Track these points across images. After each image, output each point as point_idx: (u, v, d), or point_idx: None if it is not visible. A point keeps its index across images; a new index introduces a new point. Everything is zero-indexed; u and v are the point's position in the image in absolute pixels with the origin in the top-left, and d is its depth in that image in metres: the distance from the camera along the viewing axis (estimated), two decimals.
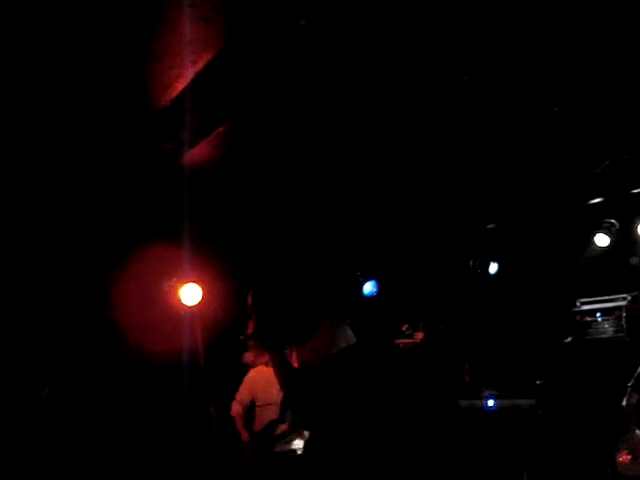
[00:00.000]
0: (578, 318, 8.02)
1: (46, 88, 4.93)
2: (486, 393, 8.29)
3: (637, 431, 6.53)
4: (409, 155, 6.54)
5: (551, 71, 5.11)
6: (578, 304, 8.10)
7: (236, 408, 7.16)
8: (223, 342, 7.53)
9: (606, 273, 8.25)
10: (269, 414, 6.98)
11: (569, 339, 8.13)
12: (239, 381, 7.29)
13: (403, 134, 6.05)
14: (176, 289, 6.99)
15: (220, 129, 5.66)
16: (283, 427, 6.83)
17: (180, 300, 7.00)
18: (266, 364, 7.04)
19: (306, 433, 6.94)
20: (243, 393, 7.20)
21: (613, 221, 8.06)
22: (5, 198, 5.76)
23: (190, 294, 7.02)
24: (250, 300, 5.14)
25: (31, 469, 5.29)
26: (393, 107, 5.58)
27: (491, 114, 5.90)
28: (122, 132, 5.45)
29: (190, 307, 7.05)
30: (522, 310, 8.77)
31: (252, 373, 7.26)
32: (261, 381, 7.13)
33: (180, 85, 5.06)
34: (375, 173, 6.80)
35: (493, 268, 8.92)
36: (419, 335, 9.17)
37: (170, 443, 6.84)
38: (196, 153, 5.84)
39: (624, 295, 7.91)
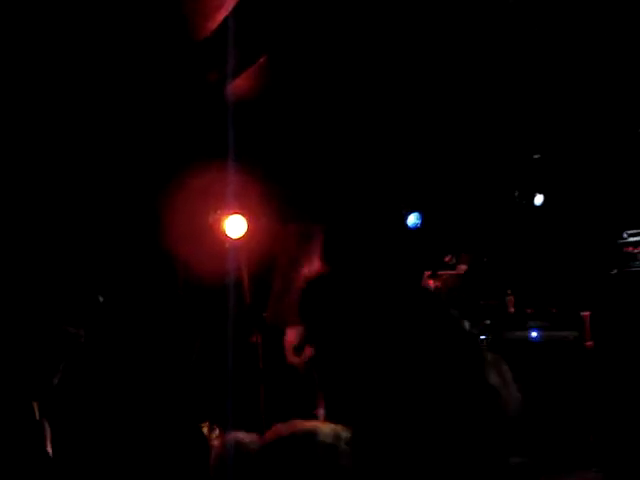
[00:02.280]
0: (624, 250, 7.93)
1: (88, 20, 4.93)
2: (531, 325, 8.30)
3: None
4: (451, 83, 6.47)
5: None
6: (625, 235, 8.00)
7: (289, 337, 7.17)
8: (268, 274, 7.55)
9: None
10: None
11: (615, 271, 8.06)
12: None
13: (445, 61, 5.98)
14: (221, 221, 7.01)
15: (263, 59, 5.63)
16: None
17: (225, 232, 7.02)
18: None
19: None
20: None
21: None
22: (59, 126, 5.79)
23: (235, 226, 7.03)
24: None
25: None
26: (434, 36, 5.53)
27: (534, 39, 5.82)
28: (165, 63, 5.44)
29: (235, 239, 7.08)
30: (568, 242, 8.69)
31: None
32: None
33: (221, 14, 5.03)
34: (417, 103, 6.73)
35: (539, 199, 8.83)
36: (462, 267, 9.16)
37: (215, 374, 6.91)
38: (240, 84, 5.82)
39: None
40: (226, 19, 5.02)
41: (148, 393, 6.36)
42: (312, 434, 2.21)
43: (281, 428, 2.27)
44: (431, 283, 8.70)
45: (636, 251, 7.90)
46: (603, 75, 6.48)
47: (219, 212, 7.03)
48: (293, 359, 7.05)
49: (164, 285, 6.98)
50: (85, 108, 5.74)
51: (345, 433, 2.19)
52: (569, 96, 6.89)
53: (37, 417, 4.39)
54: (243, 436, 2.47)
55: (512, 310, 8.84)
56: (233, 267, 7.12)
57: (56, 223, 6.01)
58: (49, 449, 4.43)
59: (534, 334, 8.25)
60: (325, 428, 2.24)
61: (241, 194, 6.85)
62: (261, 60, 5.71)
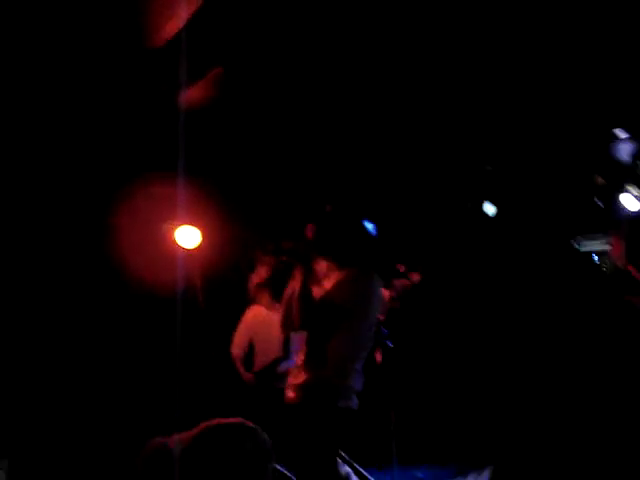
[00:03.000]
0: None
1: (39, 30, 4.89)
2: None
3: None
4: (405, 93, 6.51)
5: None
6: (576, 243, 8.11)
7: (234, 350, 7.17)
8: (222, 286, 7.54)
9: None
10: (270, 353, 7.02)
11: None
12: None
13: (400, 69, 6.01)
14: (173, 232, 6.98)
15: (216, 70, 5.63)
16: (287, 365, 6.87)
17: (178, 243, 6.99)
18: (267, 307, 7.08)
19: None
20: (241, 334, 7.20)
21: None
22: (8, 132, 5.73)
23: (188, 237, 7.00)
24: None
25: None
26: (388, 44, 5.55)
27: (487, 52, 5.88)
28: (118, 73, 5.41)
29: (188, 250, 7.04)
30: (521, 251, 8.79)
31: (249, 313, 7.26)
32: (260, 320, 7.15)
33: (175, 25, 5.02)
34: (371, 112, 6.76)
35: (491, 209, 8.90)
36: (415, 275, 9.21)
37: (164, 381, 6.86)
38: (193, 94, 5.81)
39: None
40: (180, 30, 5.02)
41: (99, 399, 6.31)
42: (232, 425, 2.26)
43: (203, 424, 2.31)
44: (385, 292, 8.73)
45: None
46: (550, 85, 6.56)
47: (172, 222, 6.99)
48: (243, 372, 7.07)
49: (114, 294, 6.93)
50: (36, 115, 5.68)
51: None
52: (518, 107, 6.96)
53: None
54: (162, 439, 2.50)
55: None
56: (187, 277, 7.08)
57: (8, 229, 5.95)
58: None
59: None
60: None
61: (196, 204, 6.82)
62: (214, 71, 5.70)
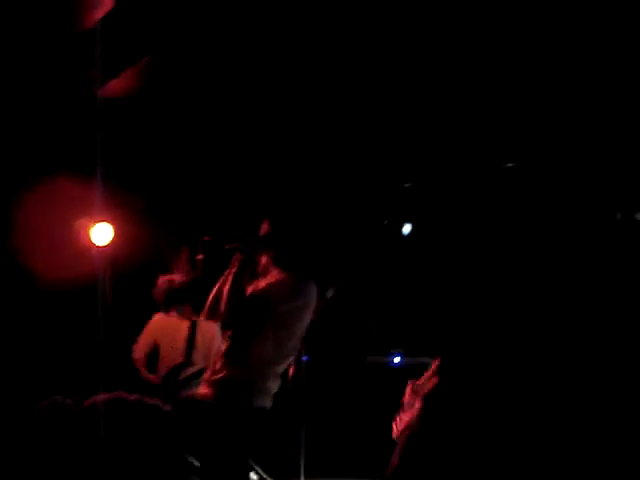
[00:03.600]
0: None
1: None
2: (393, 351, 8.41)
3: None
4: (325, 107, 6.51)
5: None
6: None
7: (135, 353, 7.04)
8: (132, 284, 7.39)
9: None
10: (173, 358, 6.91)
11: None
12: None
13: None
14: (87, 228, 6.83)
15: (139, 62, 5.54)
16: (190, 371, 6.77)
17: (90, 239, 6.84)
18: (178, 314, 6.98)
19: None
20: (145, 337, 7.07)
21: None
22: None
23: (101, 234, 6.86)
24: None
25: None
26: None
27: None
28: (36, 57, 5.27)
29: (101, 247, 6.90)
30: (436, 270, 8.85)
31: (157, 317, 7.15)
32: (166, 324, 7.04)
33: (99, 12, 4.93)
34: (290, 125, 6.74)
35: (407, 228, 8.96)
36: (328, 293, 9.21)
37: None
38: (114, 86, 5.70)
39: None
40: (103, 17, 4.93)
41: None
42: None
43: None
44: None
45: None
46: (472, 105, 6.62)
47: (85, 219, 6.84)
48: (147, 375, 6.92)
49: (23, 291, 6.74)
50: None
51: None
52: (439, 124, 7.02)
53: None
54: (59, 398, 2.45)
55: (374, 335, 8.93)
56: (97, 274, 6.93)
57: None
58: None
59: (397, 359, 8.35)
60: None
61: (109, 201, 6.69)
62: (136, 63, 5.60)
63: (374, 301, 9.08)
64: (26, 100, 5.76)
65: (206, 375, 4.62)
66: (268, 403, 4.45)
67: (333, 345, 8.46)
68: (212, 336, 6.93)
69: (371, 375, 8.52)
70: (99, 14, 4.99)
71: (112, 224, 6.89)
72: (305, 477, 6.76)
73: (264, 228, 4.53)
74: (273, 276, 4.52)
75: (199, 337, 6.92)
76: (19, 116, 5.93)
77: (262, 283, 4.51)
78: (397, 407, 7.79)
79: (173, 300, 7.01)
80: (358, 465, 7.45)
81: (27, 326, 6.93)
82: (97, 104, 5.67)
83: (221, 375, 4.41)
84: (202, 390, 4.49)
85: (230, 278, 4.38)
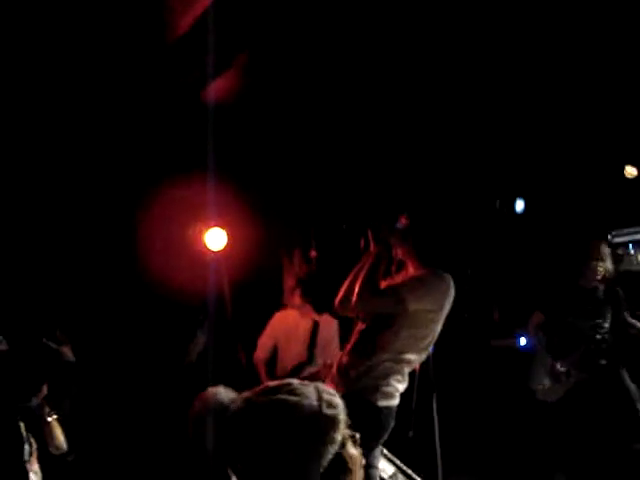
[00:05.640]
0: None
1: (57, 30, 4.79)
2: (518, 332, 8.18)
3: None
4: (433, 89, 6.36)
5: None
6: (610, 237, 7.91)
7: (257, 353, 7.01)
8: (251, 288, 7.38)
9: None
10: (293, 357, 6.86)
11: None
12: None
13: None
14: (201, 234, 6.84)
15: (243, 59, 5.48)
16: (311, 369, 6.69)
17: (205, 245, 6.84)
18: (298, 308, 6.92)
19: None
20: (266, 337, 7.04)
21: None
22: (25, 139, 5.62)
23: (215, 239, 6.86)
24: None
25: None
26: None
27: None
28: (140, 64, 5.27)
29: (216, 252, 6.90)
30: (552, 247, 8.59)
31: (277, 317, 7.11)
32: (285, 324, 6.99)
33: (198, 10, 4.89)
34: (398, 110, 6.62)
35: (520, 206, 8.70)
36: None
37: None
38: (220, 88, 5.66)
39: None
40: (203, 15, 4.88)
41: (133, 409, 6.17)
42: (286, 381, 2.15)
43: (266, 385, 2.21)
44: None
45: (622, 252, 7.82)
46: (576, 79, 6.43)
47: (199, 224, 6.85)
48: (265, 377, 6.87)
49: (143, 298, 6.78)
50: (58, 114, 5.57)
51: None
52: (550, 98, 6.82)
53: (23, 435, 4.23)
54: (223, 392, 2.37)
55: (497, 319, 8.73)
56: (214, 281, 6.94)
57: (34, 236, 5.83)
58: (35, 466, 4.26)
59: (523, 341, 8.12)
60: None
61: (221, 205, 6.68)
62: (241, 62, 5.55)
63: (494, 284, 8.86)
64: (134, 110, 5.78)
65: (333, 370, 4.51)
66: (394, 402, 4.33)
67: (457, 333, 8.28)
68: (332, 333, 6.88)
69: (497, 359, 8.32)
70: (193, 15, 4.96)
71: (225, 228, 6.89)
72: (442, 467, 6.62)
73: (402, 222, 4.39)
74: (410, 272, 4.39)
75: (320, 334, 6.87)
76: (129, 127, 5.96)
77: (399, 278, 4.39)
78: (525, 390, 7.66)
79: (294, 294, 6.98)
80: (494, 454, 7.31)
81: (147, 332, 6.97)
82: (205, 108, 5.65)
83: (349, 372, 4.31)
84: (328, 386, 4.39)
85: (364, 272, 4.27)
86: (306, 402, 2.09)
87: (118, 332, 6.52)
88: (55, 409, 4.40)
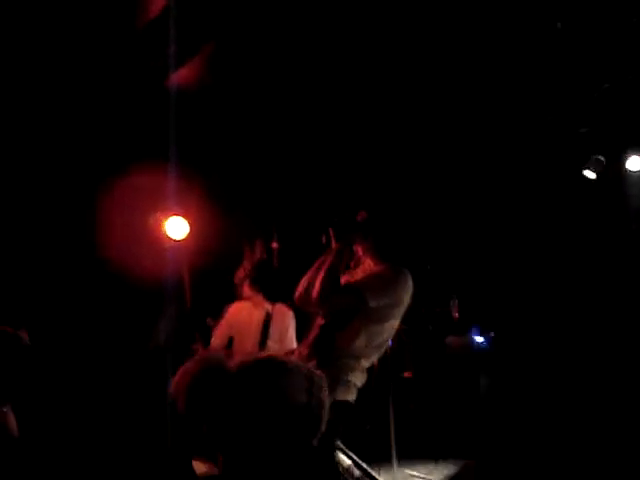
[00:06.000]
0: None
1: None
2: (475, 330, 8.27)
3: None
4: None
5: None
6: None
7: (214, 343, 6.98)
8: (210, 277, 7.35)
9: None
10: (248, 348, 6.84)
11: None
12: None
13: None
14: (161, 222, 6.79)
15: (207, 49, 5.44)
16: None
17: (166, 234, 6.80)
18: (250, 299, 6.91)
19: None
20: (221, 329, 7.01)
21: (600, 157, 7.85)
22: None
23: (176, 228, 6.81)
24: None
25: None
26: None
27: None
28: (104, 49, 5.21)
29: (176, 241, 6.86)
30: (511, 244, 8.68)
31: (231, 308, 7.07)
32: (239, 316, 6.97)
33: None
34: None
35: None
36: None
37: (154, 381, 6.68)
38: (182, 75, 5.61)
39: None
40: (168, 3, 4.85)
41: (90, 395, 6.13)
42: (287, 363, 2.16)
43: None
44: None
45: None
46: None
47: (159, 213, 6.80)
48: None
49: (102, 284, 6.73)
50: (19, 97, 5.49)
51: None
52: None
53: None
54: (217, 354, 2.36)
55: (456, 316, 8.76)
56: (174, 269, 6.90)
57: None
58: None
59: (479, 339, 8.20)
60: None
61: (183, 194, 6.64)
62: (204, 50, 5.51)
63: (454, 281, 8.91)
64: (97, 94, 5.72)
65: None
66: (351, 397, 4.33)
67: (415, 328, 8.33)
68: (287, 323, 6.87)
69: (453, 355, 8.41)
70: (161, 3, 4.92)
71: (187, 217, 6.84)
72: (397, 458, 6.69)
73: (361, 217, 4.39)
74: (369, 267, 4.39)
75: (274, 325, 6.86)
76: (91, 112, 5.89)
77: (359, 274, 4.39)
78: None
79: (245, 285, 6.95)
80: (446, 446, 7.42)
81: (104, 320, 6.92)
82: (168, 95, 5.60)
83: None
84: None
85: (326, 266, 4.26)
86: (296, 396, 2.09)
87: (76, 316, 6.46)
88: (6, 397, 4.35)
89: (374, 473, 5.54)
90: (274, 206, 7.38)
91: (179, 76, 5.66)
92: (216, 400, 2.17)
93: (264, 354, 2.22)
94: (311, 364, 4.23)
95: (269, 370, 2.12)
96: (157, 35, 5.11)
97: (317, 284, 4.22)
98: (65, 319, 6.33)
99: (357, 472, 5.33)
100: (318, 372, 2.20)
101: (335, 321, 4.29)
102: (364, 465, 5.53)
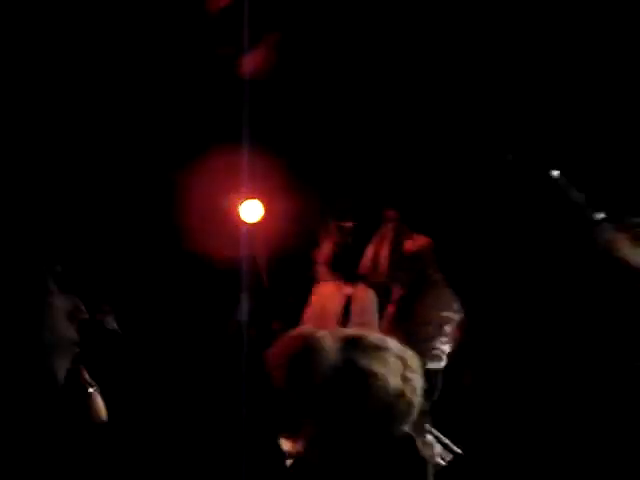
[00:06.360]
0: None
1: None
2: None
3: None
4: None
5: None
6: None
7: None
8: (288, 259, 7.40)
9: None
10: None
11: None
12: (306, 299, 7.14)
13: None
14: (236, 205, 6.86)
15: (278, 34, 5.49)
16: None
17: (241, 217, 6.87)
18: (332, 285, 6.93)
19: None
20: (308, 314, 7.06)
21: None
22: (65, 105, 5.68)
23: (251, 211, 6.88)
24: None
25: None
26: None
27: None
28: (178, 36, 5.30)
29: (251, 224, 6.93)
30: None
31: (314, 293, 7.11)
32: (320, 300, 7.00)
33: None
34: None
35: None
36: None
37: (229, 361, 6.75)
38: (255, 61, 5.67)
39: None
40: None
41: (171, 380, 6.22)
42: (382, 345, 2.19)
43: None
44: None
45: None
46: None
47: (235, 196, 6.87)
48: None
49: (179, 270, 6.84)
50: (98, 87, 5.61)
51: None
52: None
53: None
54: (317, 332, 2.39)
55: None
56: (250, 252, 6.96)
57: (76, 202, 5.90)
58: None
59: None
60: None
61: (258, 177, 6.69)
62: (276, 36, 5.56)
63: None
64: (172, 80, 5.81)
65: None
66: (441, 364, 4.37)
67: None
68: (368, 304, 6.89)
69: None
70: None
71: (261, 200, 6.90)
72: None
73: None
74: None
75: (354, 308, 6.88)
76: (167, 97, 5.99)
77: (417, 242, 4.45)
78: None
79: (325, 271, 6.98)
80: None
81: (179, 305, 7.03)
82: (241, 80, 5.66)
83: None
84: None
85: (388, 240, 4.33)
86: (391, 382, 2.10)
87: (157, 300, 6.58)
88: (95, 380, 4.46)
89: (455, 448, 5.54)
90: (348, 187, 7.38)
91: (251, 61, 5.72)
92: (316, 378, 2.20)
93: (360, 332, 2.23)
94: (397, 338, 4.31)
95: (366, 352, 2.14)
96: (229, 21, 5.17)
97: (383, 258, 4.30)
98: (147, 302, 6.45)
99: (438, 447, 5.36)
100: (410, 353, 2.22)
101: (411, 292, 4.35)
102: (445, 440, 5.54)
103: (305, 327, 2.55)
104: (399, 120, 6.96)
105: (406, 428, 2.11)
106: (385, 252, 4.36)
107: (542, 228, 2.51)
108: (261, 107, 5.95)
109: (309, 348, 2.34)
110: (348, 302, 6.86)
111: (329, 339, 2.33)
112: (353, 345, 2.17)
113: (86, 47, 5.40)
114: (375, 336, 2.23)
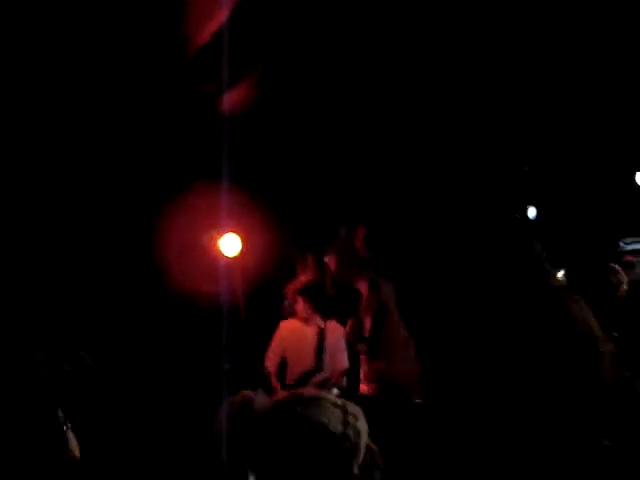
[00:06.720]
0: (624, 259, 7.86)
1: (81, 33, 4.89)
2: None
3: None
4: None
5: None
6: (622, 244, 7.94)
7: (268, 363, 7.04)
8: (264, 293, 7.45)
9: None
10: (303, 365, 6.91)
11: None
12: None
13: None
14: (215, 240, 6.90)
15: (258, 70, 5.57)
16: (321, 376, 6.76)
17: (220, 251, 6.91)
18: (302, 316, 6.96)
19: (344, 381, 6.92)
20: (273, 349, 7.07)
21: None
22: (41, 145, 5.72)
23: (230, 245, 6.92)
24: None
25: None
26: None
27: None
28: (160, 74, 5.37)
29: (230, 258, 6.96)
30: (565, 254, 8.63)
31: (283, 327, 7.13)
32: (292, 334, 7.03)
33: (214, 25, 4.99)
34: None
35: (532, 212, 8.74)
36: None
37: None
38: (235, 97, 5.75)
39: None
40: (220, 30, 4.98)
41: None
42: (320, 396, 2.21)
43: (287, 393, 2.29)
44: None
45: (633, 259, 7.84)
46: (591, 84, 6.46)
47: (214, 230, 6.91)
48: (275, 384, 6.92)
49: (158, 303, 6.87)
50: (81, 123, 5.67)
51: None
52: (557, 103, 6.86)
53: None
54: (250, 395, 2.46)
55: None
56: (228, 286, 6.99)
57: (50, 241, 5.93)
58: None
59: None
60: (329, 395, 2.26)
61: (235, 212, 6.75)
62: (255, 74, 5.64)
63: None
64: (151, 118, 5.87)
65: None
66: None
67: None
68: (339, 338, 6.95)
69: None
70: (212, 28, 5.06)
71: (240, 234, 6.94)
72: None
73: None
74: None
75: (328, 341, 6.92)
76: (146, 135, 6.05)
77: None
78: None
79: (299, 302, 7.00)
80: None
81: (160, 336, 7.05)
82: (220, 117, 5.73)
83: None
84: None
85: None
86: (331, 428, 2.14)
87: (132, 335, 6.60)
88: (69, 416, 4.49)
89: None
90: (325, 221, 7.45)
91: (230, 98, 5.79)
92: (251, 439, 2.25)
93: (295, 392, 2.28)
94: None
95: (303, 404, 2.18)
96: (207, 61, 5.25)
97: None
98: (123, 337, 6.48)
99: None
100: (351, 402, 2.26)
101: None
102: None
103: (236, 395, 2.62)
104: (369, 157, 7.09)
105: (355, 469, 2.15)
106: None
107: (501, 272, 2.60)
108: (239, 144, 6.03)
109: (236, 415, 2.44)
110: (321, 336, 6.91)
111: (266, 398, 2.43)
112: (292, 398, 2.23)
113: (66, 86, 5.45)
114: (311, 390, 2.29)
